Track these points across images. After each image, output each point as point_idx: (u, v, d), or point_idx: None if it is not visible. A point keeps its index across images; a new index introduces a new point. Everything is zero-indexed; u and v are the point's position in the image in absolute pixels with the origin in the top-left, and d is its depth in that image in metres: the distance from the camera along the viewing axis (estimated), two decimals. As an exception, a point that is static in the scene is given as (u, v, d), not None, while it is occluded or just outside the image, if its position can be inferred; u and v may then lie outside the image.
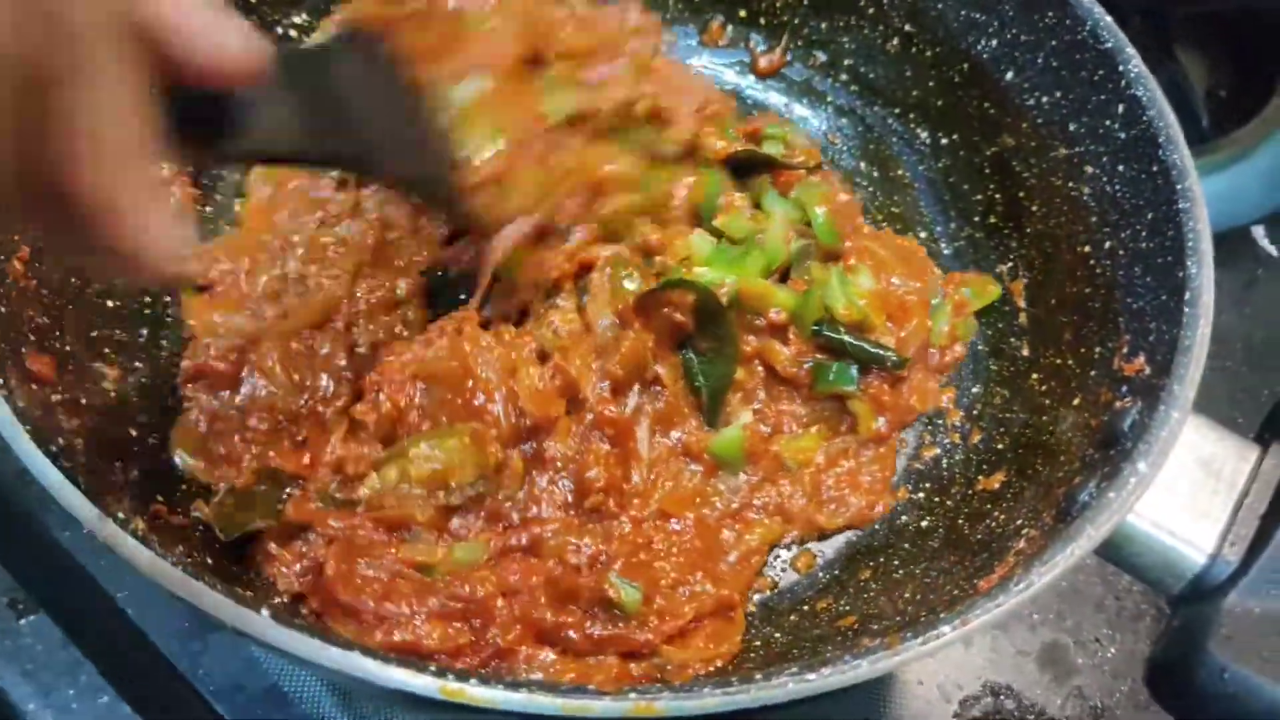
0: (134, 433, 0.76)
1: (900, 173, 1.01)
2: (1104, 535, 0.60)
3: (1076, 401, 0.77)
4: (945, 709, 0.89)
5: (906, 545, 0.80)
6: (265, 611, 0.53)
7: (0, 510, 0.92)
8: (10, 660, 0.85)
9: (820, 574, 0.81)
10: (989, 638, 0.92)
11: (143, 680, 0.86)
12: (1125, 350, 0.74)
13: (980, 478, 0.82)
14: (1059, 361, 0.82)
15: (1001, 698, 0.89)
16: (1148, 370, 0.70)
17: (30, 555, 0.91)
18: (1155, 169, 0.76)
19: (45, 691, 0.84)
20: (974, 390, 0.89)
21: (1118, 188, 0.81)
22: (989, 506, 0.78)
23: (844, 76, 1.04)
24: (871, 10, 1.00)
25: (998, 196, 0.94)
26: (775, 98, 1.06)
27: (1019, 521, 0.73)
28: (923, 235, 0.98)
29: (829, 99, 1.05)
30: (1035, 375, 0.84)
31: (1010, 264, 0.91)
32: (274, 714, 0.84)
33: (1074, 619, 0.94)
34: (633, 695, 0.52)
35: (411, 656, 0.61)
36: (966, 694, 0.89)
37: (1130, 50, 0.80)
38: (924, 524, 0.81)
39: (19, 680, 0.85)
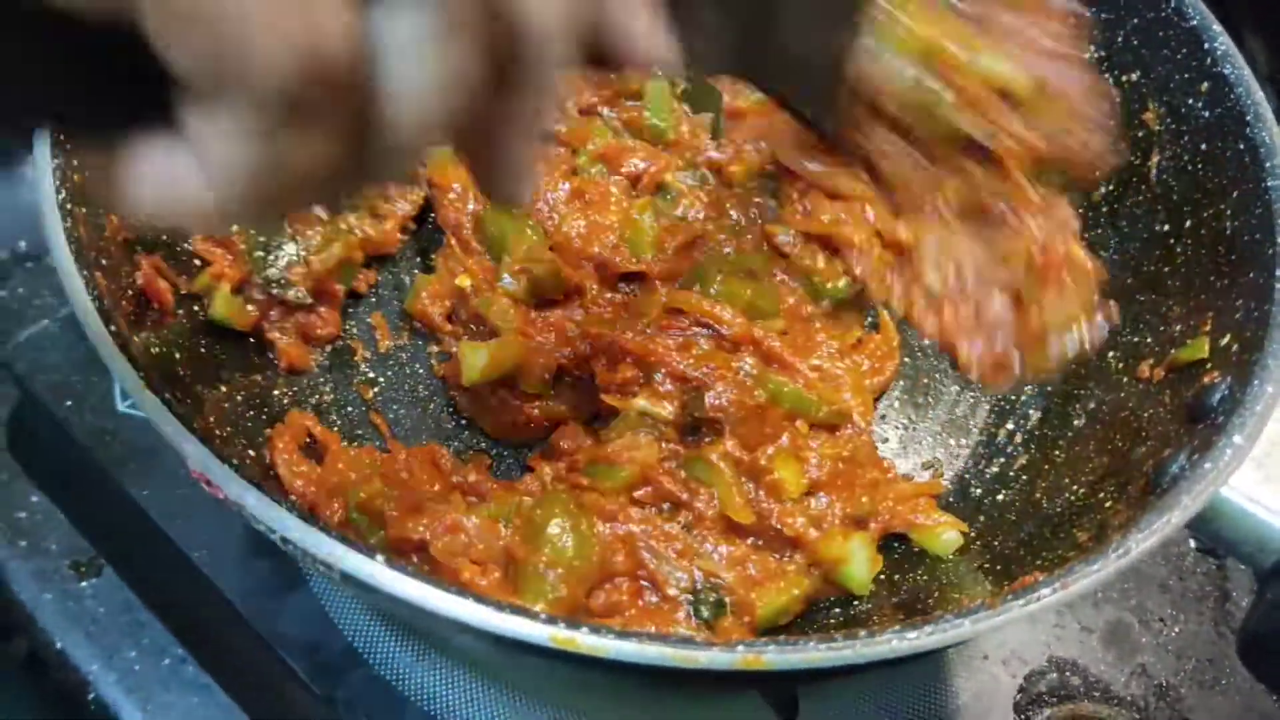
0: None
1: (971, 151, 1.01)
2: (1200, 506, 0.60)
3: (1159, 379, 0.77)
4: (1010, 683, 0.89)
5: (982, 518, 0.81)
6: (380, 558, 0.54)
7: (77, 469, 0.94)
8: (73, 623, 0.87)
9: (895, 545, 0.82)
10: (1053, 614, 0.93)
11: (215, 640, 0.87)
12: (1209, 327, 0.74)
13: (1056, 452, 0.82)
14: (1136, 339, 0.82)
15: (1067, 673, 0.90)
16: (1236, 346, 0.70)
17: (105, 514, 0.92)
18: (1242, 147, 0.76)
19: (108, 653, 0.86)
20: (1047, 367, 0.89)
21: (1200, 167, 0.81)
22: (1067, 480, 0.78)
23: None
24: (945, -12, 1.01)
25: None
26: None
27: (1100, 495, 0.73)
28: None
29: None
30: (1112, 353, 0.84)
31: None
32: (349, 673, 0.85)
33: (1138, 598, 0.95)
34: (740, 647, 0.53)
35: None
36: (1031, 669, 0.90)
37: (1217, 27, 0.80)
38: (1000, 497, 0.82)
39: (82, 641, 0.86)
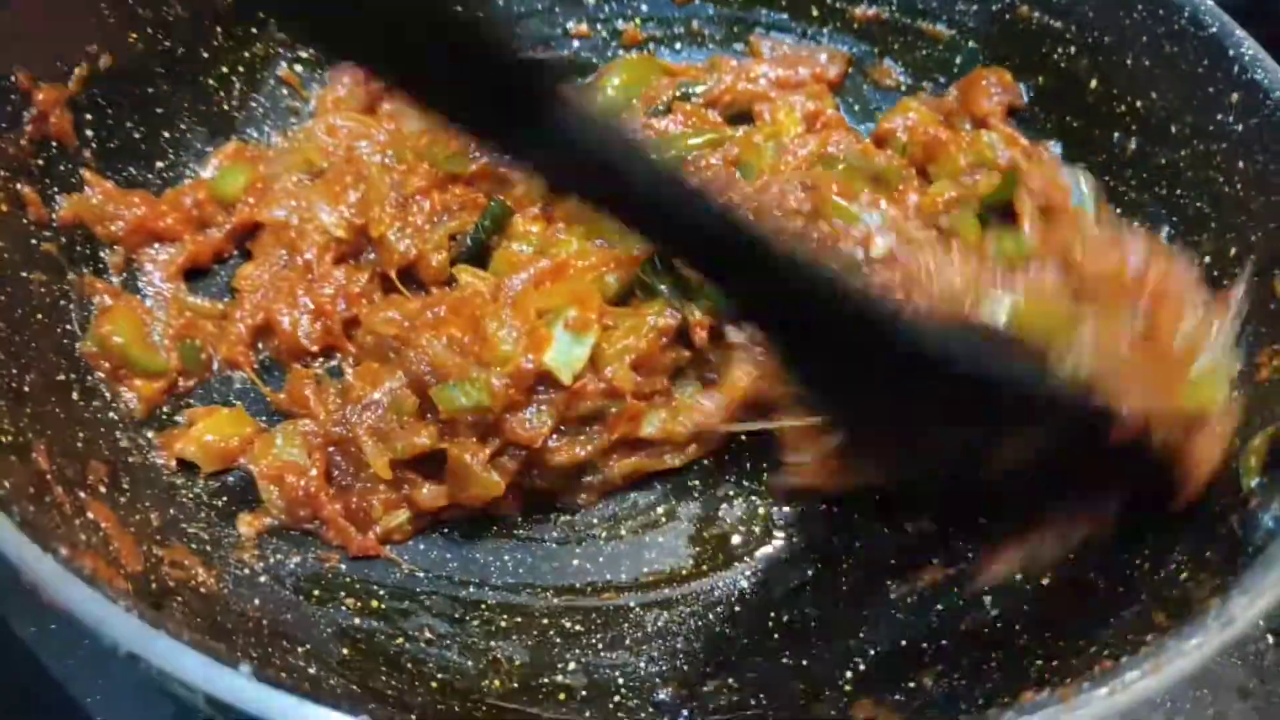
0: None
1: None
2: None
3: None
4: (1077, 813, 0.73)
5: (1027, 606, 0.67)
6: (245, 668, 0.40)
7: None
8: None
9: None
10: (1119, 728, 0.77)
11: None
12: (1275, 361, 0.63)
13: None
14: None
15: (1144, 797, 0.74)
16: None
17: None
18: (1287, 157, 0.67)
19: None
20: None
21: (1239, 187, 0.71)
22: (1125, 555, 0.65)
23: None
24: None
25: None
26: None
27: (1174, 566, 0.59)
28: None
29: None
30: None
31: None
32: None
33: (1215, 707, 0.80)
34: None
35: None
36: (1101, 795, 0.74)
37: (1240, 33, 0.72)
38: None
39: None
